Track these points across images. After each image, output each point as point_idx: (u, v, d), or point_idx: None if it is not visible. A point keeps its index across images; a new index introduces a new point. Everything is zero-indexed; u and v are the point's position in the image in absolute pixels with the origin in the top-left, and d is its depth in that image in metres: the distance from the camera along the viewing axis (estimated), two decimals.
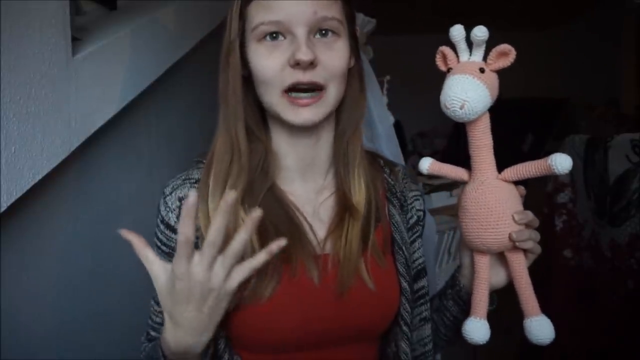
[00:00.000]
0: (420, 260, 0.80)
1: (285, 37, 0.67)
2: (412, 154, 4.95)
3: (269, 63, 0.67)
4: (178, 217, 0.69)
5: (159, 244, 0.72)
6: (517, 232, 0.63)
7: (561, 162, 0.59)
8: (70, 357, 0.88)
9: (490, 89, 0.61)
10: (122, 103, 0.98)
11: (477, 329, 0.67)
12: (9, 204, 0.68)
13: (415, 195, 0.82)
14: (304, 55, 0.64)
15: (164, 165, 1.24)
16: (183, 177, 0.73)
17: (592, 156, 1.88)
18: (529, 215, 0.65)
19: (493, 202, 0.63)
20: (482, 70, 0.61)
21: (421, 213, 0.82)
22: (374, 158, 0.81)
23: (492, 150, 0.66)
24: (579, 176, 1.94)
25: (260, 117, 0.74)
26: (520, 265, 0.66)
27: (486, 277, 0.67)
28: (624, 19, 3.54)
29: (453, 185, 2.24)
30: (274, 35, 0.66)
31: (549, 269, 2.04)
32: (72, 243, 0.90)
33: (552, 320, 0.66)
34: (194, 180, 0.72)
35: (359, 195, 0.72)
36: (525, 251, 0.66)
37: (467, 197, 0.66)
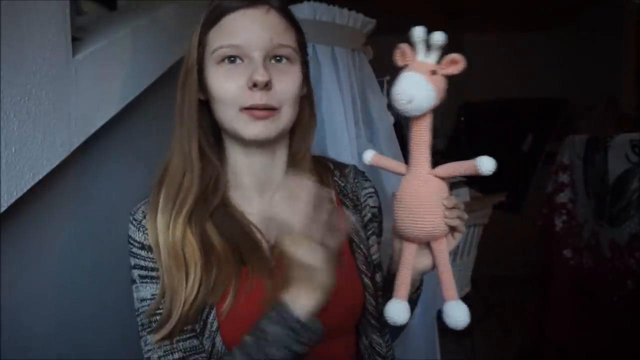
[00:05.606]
0: (376, 256, 0.84)
1: (243, 61, 0.72)
2: None
3: (228, 84, 0.72)
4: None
5: (145, 272, 0.73)
6: (448, 211, 0.68)
7: (485, 164, 0.64)
8: (71, 357, 0.88)
9: (438, 90, 0.66)
10: (122, 103, 0.98)
11: (398, 310, 0.71)
12: (9, 204, 0.68)
13: (368, 193, 0.86)
14: (261, 77, 0.69)
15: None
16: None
17: (592, 156, 1.88)
18: (454, 200, 0.70)
19: (424, 195, 0.69)
20: (433, 72, 0.65)
21: (375, 209, 0.86)
22: (322, 163, 0.86)
23: (429, 147, 0.71)
24: (579, 176, 1.95)
25: (215, 140, 0.79)
26: (443, 254, 0.71)
27: (410, 262, 0.73)
28: (624, 19, 3.53)
29: (452, 186, 2.25)
30: (232, 58, 0.72)
31: (549, 268, 2.04)
32: (72, 243, 0.90)
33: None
34: None
35: None
36: (452, 230, 0.71)
37: (402, 189, 0.71)
